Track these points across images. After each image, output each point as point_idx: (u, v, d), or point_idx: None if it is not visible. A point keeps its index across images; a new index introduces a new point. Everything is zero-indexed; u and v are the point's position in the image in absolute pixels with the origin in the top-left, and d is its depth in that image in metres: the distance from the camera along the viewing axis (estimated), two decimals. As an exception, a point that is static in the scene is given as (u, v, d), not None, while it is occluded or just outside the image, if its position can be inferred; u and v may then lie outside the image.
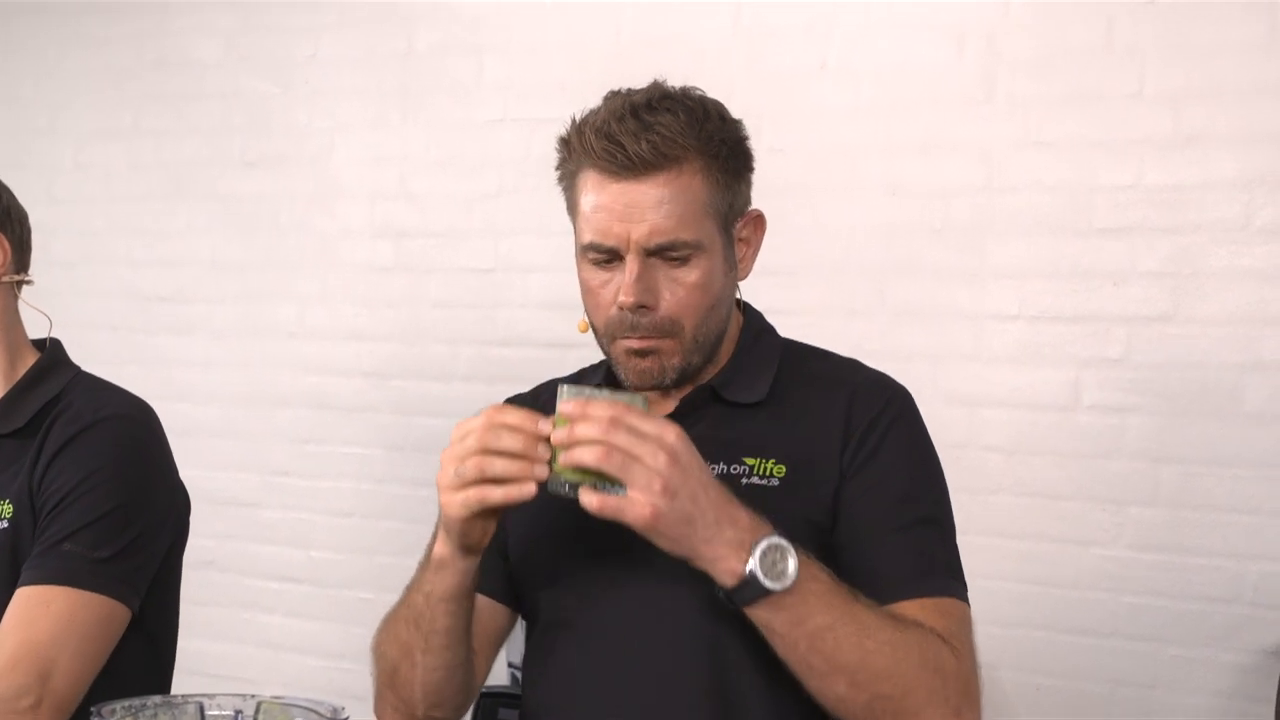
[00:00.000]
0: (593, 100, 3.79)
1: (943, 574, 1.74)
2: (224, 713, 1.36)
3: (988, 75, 3.22)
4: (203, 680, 3.46)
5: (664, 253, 1.70)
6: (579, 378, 1.95)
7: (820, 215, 3.37)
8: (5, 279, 2.14)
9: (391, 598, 4.14)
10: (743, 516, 1.54)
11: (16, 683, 1.87)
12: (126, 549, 2.01)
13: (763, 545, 1.52)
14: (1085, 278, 3.13)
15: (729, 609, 1.59)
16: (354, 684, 3.93)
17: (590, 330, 1.81)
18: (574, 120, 1.78)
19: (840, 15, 3.38)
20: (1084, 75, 3.13)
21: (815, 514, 1.72)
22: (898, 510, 1.74)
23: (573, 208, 1.79)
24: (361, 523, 3.97)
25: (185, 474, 2.22)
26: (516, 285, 3.75)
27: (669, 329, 1.73)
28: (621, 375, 1.77)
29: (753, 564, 1.52)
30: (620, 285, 1.71)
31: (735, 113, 3.44)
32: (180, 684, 2.19)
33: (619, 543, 1.70)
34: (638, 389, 1.76)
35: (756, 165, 3.54)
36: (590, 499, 1.48)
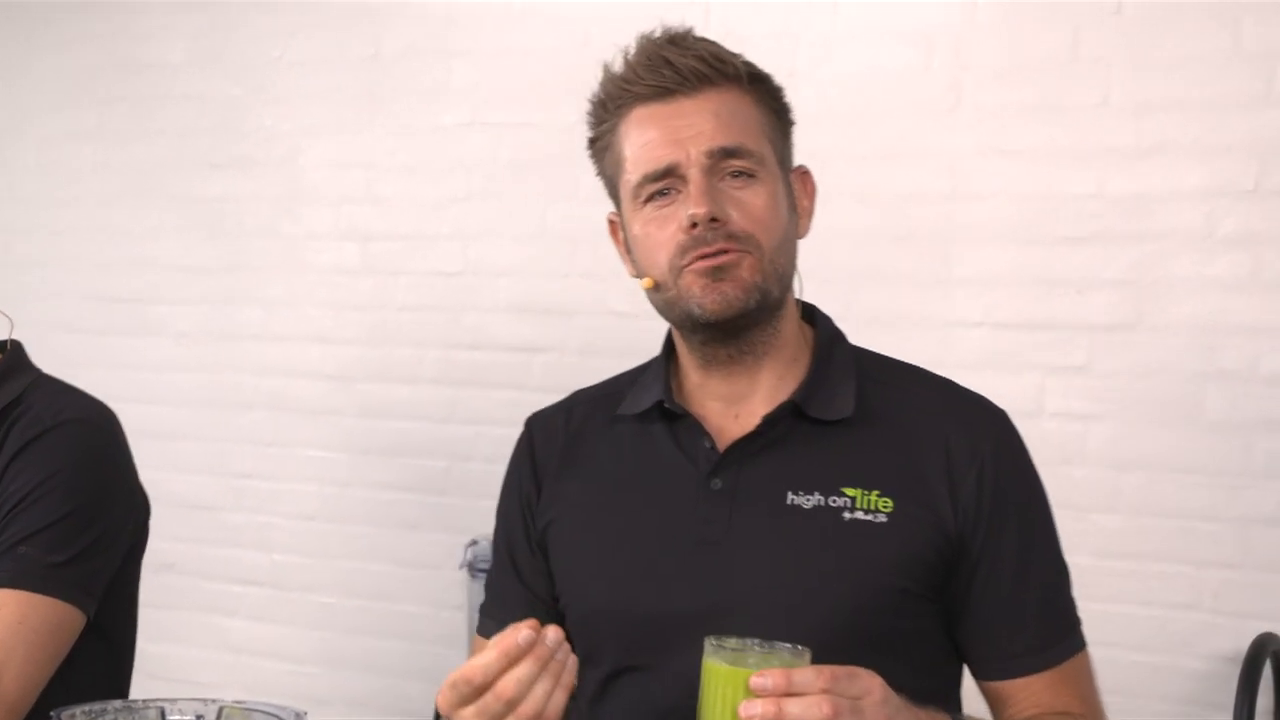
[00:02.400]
0: (562, 105, 3.78)
1: (1066, 633, 1.65)
2: (185, 717, 1.33)
3: (954, 83, 3.23)
4: (163, 684, 3.43)
5: (728, 162, 1.59)
6: (614, 391, 1.79)
7: (786, 222, 3.36)
8: (-36, 280, 2.12)
9: (354, 602, 4.14)
10: None
11: (-35, 685, 1.85)
12: (83, 553, 1.99)
13: None
14: (1049, 286, 3.13)
15: None
16: (316, 688, 3.93)
17: (652, 288, 1.64)
18: (605, 71, 1.66)
19: (808, 23, 3.38)
20: (1049, 84, 3.14)
21: (926, 554, 1.59)
22: (1023, 570, 1.62)
23: (615, 165, 1.66)
24: (325, 526, 3.94)
25: (147, 476, 2.19)
26: (485, 289, 3.74)
27: (745, 242, 1.58)
28: (697, 311, 1.60)
29: None
30: (683, 213, 1.58)
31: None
32: (140, 688, 2.17)
33: (703, 577, 1.60)
34: (718, 321, 1.60)
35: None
36: None
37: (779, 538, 1.60)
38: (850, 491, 1.59)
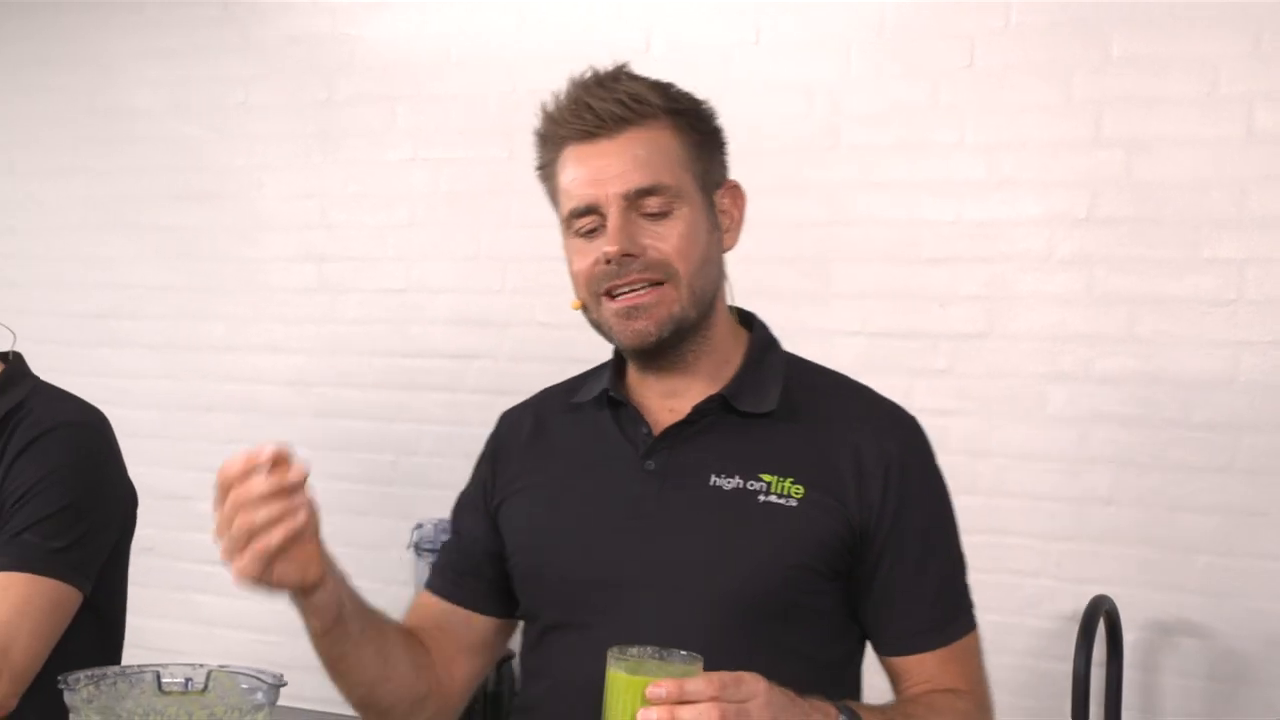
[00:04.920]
0: (492, 143, 3.78)
1: (957, 616, 1.63)
2: (176, 680, 1.32)
3: (832, 127, 3.27)
4: (145, 653, 3.36)
5: (644, 199, 1.53)
6: (575, 386, 1.74)
7: (689, 246, 3.39)
8: (-27, 301, 2.11)
9: (312, 579, 4.07)
10: (816, 718, 1.36)
11: (-23, 658, 1.85)
12: (79, 540, 1.99)
13: None
14: (915, 300, 3.18)
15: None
16: (278, 654, 3.88)
17: (583, 308, 1.61)
18: (542, 109, 1.59)
19: (705, 73, 3.39)
20: (913, 128, 3.19)
21: (831, 538, 1.54)
22: (922, 559, 1.59)
23: (554, 194, 1.61)
24: (284, 514, 3.92)
25: (128, 471, 2.19)
26: (425, 304, 3.74)
27: (662, 272, 1.53)
28: (616, 340, 1.59)
29: None
30: (601, 247, 1.53)
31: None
32: (126, 657, 2.17)
33: (630, 547, 1.57)
34: (635, 351, 1.59)
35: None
36: None
37: (700, 514, 1.56)
38: (767, 477, 1.55)
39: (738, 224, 1.67)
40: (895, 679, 1.62)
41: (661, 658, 1.33)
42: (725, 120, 3.33)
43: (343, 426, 3.84)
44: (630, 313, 1.55)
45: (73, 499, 2.00)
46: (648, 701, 1.25)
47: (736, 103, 3.34)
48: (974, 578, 3.05)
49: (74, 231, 4.24)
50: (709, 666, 1.31)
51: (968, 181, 3.14)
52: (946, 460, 3.08)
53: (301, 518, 1.33)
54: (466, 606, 1.73)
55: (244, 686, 1.31)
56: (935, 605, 1.60)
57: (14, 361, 2.15)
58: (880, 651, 1.63)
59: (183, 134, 4.09)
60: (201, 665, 1.36)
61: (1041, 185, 3.08)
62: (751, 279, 3.28)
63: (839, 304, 3.25)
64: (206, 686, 1.31)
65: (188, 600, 4.03)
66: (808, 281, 3.28)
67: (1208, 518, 2.92)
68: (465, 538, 1.77)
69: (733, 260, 3.29)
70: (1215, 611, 2.91)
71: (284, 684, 1.32)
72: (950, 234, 3.15)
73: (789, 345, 3.21)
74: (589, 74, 1.58)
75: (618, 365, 1.69)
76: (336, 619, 1.54)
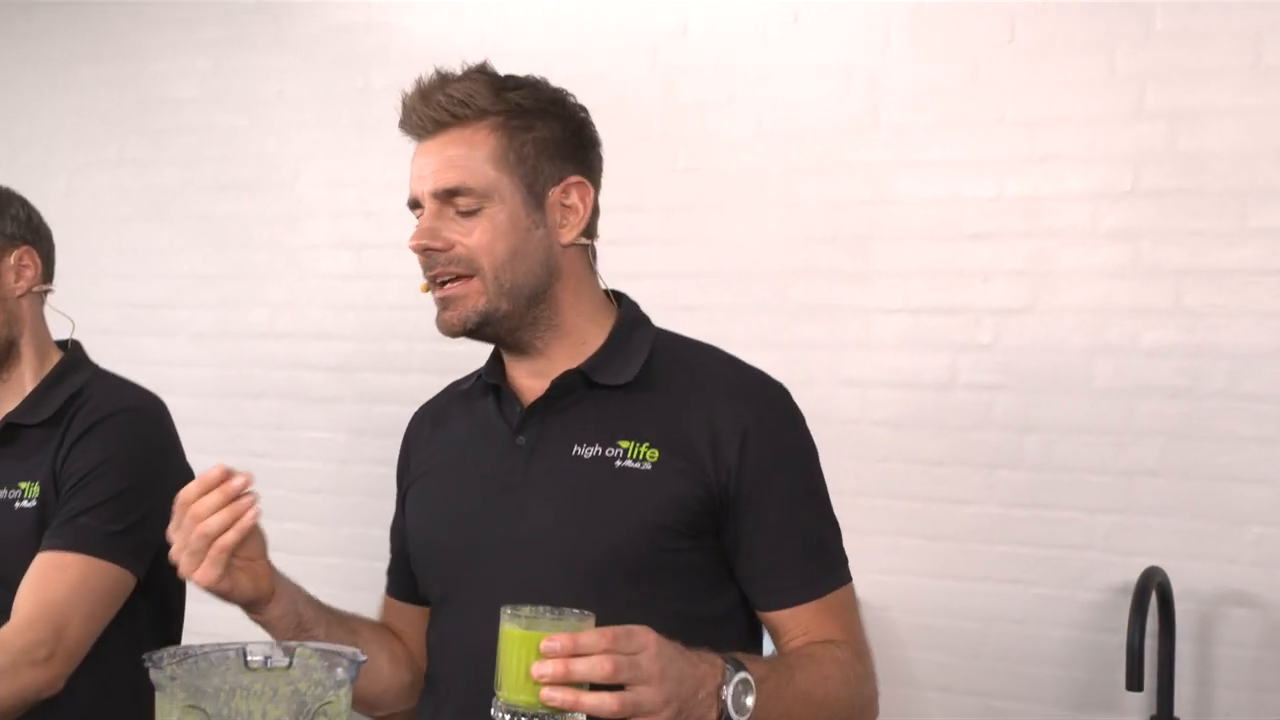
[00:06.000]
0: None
1: (830, 568, 1.69)
2: (256, 658, 1.35)
3: (871, 106, 3.27)
4: (192, 636, 3.44)
5: (453, 199, 1.64)
6: (470, 378, 1.86)
7: (730, 227, 3.40)
8: (36, 289, 2.16)
9: (355, 563, 4.14)
10: (704, 669, 1.42)
11: (34, 637, 1.89)
12: (136, 524, 2.03)
13: (730, 688, 1.43)
14: (958, 276, 3.18)
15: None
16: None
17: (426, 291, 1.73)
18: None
19: (743, 55, 3.42)
20: (953, 105, 3.18)
21: (686, 498, 1.62)
22: (787, 518, 1.66)
23: None
24: (328, 498, 3.96)
25: (184, 457, 2.22)
26: (464, 290, 3.76)
27: (466, 267, 1.64)
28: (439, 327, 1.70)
29: (727, 701, 1.43)
30: None
31: (654, 139, 3.48)
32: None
33: (499, 519, 1.66)
34: (452, 336, 1.71)
35: (674, 185, 3.56)
36: (612, 702, 1.32)
37: (563, 483, 1.65)
38: (624, 444, 1.63)
39: (583, 218, 1.71)
40: (774, 633, 1.69)
41: (554, 615, 1.38)
42: (764, 102, 3.37)
43: (384, 411, 3.86)
44: (443, 303, 1.67)
45: (131, 483, 2.03)
46: (542, 655, 1.30)
47: (775, 85, 3.40)
48: (1021, 551, 3.10)
49: (112, 223, 4.27)
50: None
51: (1010, 157, 3.13)
52: (991, 435, 3.13)
53: (250, 518, 1.49)
54: (420, 603, 1.82)
55: (325, 664, 1.33)
56: (805, 561, 1.67)
57: (73, 349, 2.20)
58: (757, 607, 1.70)
59: (221, 125, 4.12)
60: (281, 644, 1.40)
61: (1085, 159, 3.07)
62: (794, 259, 3.33)
63: (881, 282, 3.25)
64: (291, 663, 1.33)
65: (233, 587, 4.07)
66: (849, 260, 3.28)
67: (1257, 488, 2.91)
68: (395, 534, 1.91)
69: (776, 238, 3.32)
70: (1267, 582, 2.89)
71: (364, 660, 1.34)
72: (993, 210, 3.15)
73: (832, 322, 3.27)
74: (434, 75, 1.69)
75: (497, 352, 1.79)
76: (298, 627, 1.65)
